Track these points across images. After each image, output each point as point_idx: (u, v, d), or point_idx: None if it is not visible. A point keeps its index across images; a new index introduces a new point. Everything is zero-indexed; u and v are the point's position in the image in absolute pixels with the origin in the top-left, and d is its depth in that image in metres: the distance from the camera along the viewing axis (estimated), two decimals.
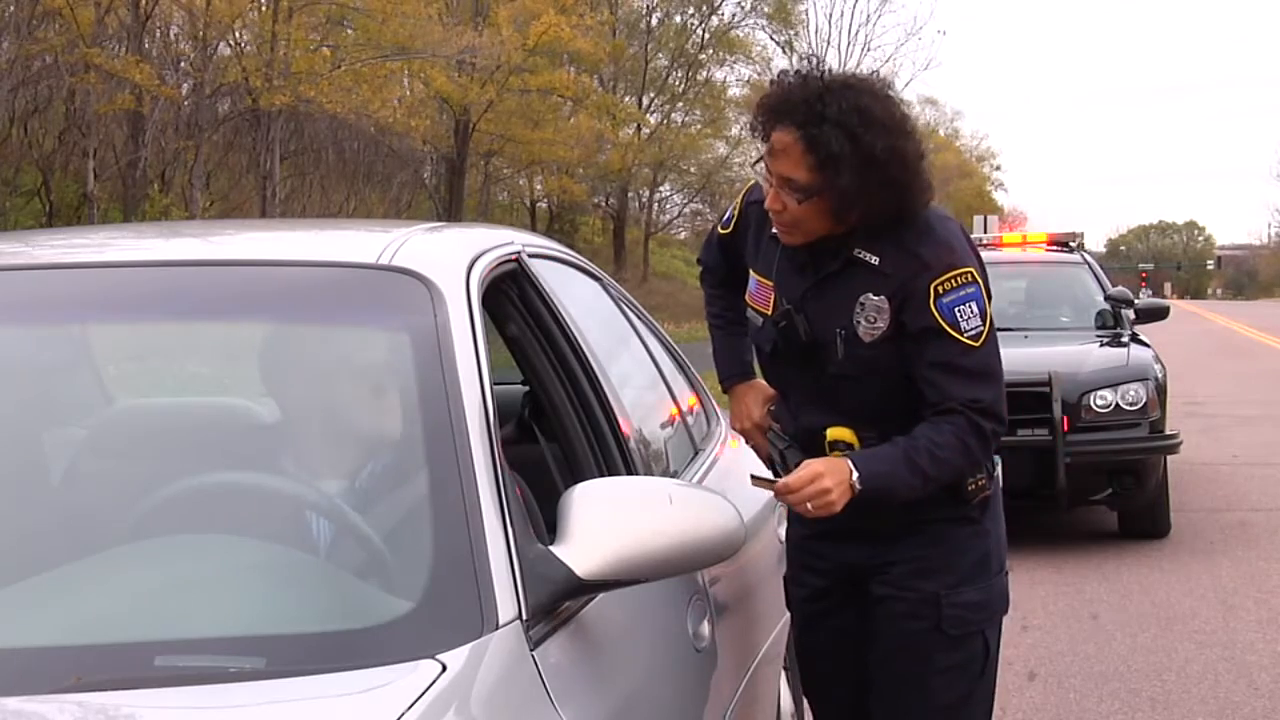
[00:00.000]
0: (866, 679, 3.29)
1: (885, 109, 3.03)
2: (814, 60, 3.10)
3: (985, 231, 25.41)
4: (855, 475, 3.01)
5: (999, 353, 3.14)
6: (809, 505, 3.02)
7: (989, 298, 3.11)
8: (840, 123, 2.96)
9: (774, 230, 3.19)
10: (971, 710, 3.27)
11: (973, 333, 3.05)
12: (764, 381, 3.44)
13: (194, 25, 23.74)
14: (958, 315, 3.04)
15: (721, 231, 3.42)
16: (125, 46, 22.69)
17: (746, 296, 3.30)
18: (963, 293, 3.05)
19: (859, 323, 3.09)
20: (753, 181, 3.35)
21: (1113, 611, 7.34)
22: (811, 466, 3.04)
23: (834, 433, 3.16)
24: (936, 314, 3.04)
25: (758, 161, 3.13)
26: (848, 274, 3.10)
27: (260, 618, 2.12)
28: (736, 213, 3.36)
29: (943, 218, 3.17)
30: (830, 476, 3.01)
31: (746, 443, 3.50)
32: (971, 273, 3.07)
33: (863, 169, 2.97)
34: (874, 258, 3.07)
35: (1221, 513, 9.94)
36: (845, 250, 3.09)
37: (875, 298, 3.07)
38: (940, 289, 3.04)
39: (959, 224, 3.22)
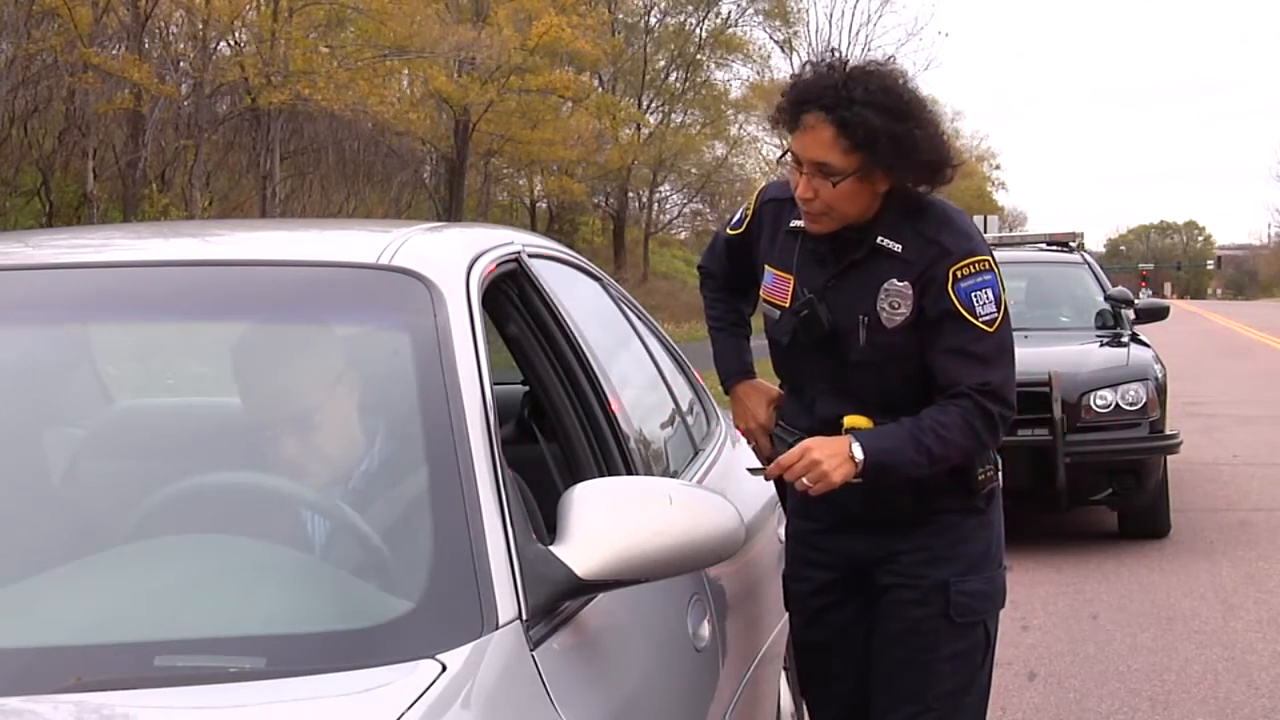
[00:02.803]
0: (866, 674, 3.32)
1: (905, 88, 3.14)
2: (832, 52, 3.19)
3: (985, 231, 25.42)
4: (856, 447, 3.06)
5: (1012, 340, 3.21)
6: (805, 481, 3.05)
7: (1002, 285, 3.17)
8: (869, 102, 3.05)
9: (791, 224, 3.25)
10: (970, 699, 3.31)
11: (987, 318, 3.12)
12: (766, 382, 3.46)
13: (193, 25, 23.73)
14: (974, 300, 3.11)
15: (730, 233, 3.46)
16: (124, 46, 22.68)
17: (762, 292, 3.35)
18: (980, 279, 3.12)
19: (882, 309, 3.15)
20: (765, 183, 3.44)
21: (1113, 611, 7.34)
22: (803, 443, 3.09)
23: (851, 420, 3.19)
24: (954, 298, 3.11)
25: (784, 154, 3.19)
26: (871, 262, 3.17)
27: (260, 618, 2.12)
28: (750, 212, 3.41)
29: (958, 210, 3.26)
30: (821, 450, 3.06)
31: (748, 443, 3.50)
32: (989, 261, 3.15)
33: (896, 143, 3.05)
34: (897, 245, 3.14)
35: (1221, 513, 9.94)
36: (869, 239, 3.16)
37: (899, 283, 3.14)
38: (959, 274, 3.12)
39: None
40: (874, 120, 3.03)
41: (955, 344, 3.12)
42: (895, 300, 3.14)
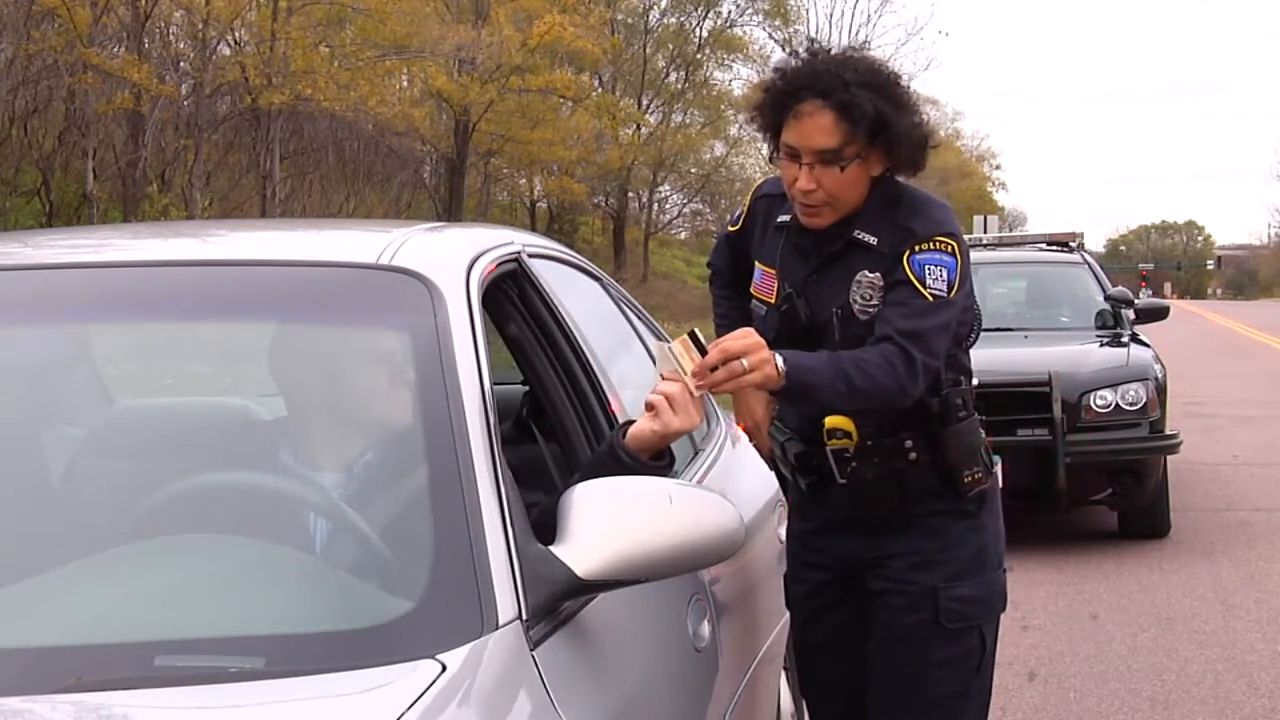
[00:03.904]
0: (865, 675, 3.31)
1: (888, 69, 3.18)
2: (813, 41, 3.23)
3: (985, 231, 25.41)
4: (780, 360, 2.92)
5: (954, 321, 3.14)
6: (744, 363, 2.86)
7: (964, 276, 3.13)
8: (863, 83, 3.07)
9: (779, 220, 3.26)
10: (968, 706, 3.29)
11: (935, 290, 3.09)
12: None
13: (193, 25, 23.73)
14: (925, 272, 3.10)
15: (730, 230, 3.48)
16: (124, 46, 22.68)
17: (752, 288, 3.35)
18: (937, 255, 3.11)
19: (855, 301, 3.16)
20: (762, 179, 3.43)
21: (1113, 611, 7.34)
22: (723, 344, 2.90)
23: (832, 421, 3.20)
24: (907, 267, 3.10)
25: (774, 151, 3.17)
26: (847, 255, 3.17)
27: (260, 618, 2.12)
28: (746, 209, 3.42)
29: (940, 203, 3.26)
30: (751, 338, 2.91)
31: (749, 440, 3.51)
32: (953, 244, 3.13)
33: (895, 118, 3.08)
34: (872, 238, 3.15)
35: (1221, 513, 9.94)
36: (846, 233, 3.16)
37: (870, 274, 3.14)
38: (918, 248, 3.11)
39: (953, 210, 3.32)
40: (870, 100, 3.05)
41: (895, 299, 3.09)
42: (867, 292, 3.15)
